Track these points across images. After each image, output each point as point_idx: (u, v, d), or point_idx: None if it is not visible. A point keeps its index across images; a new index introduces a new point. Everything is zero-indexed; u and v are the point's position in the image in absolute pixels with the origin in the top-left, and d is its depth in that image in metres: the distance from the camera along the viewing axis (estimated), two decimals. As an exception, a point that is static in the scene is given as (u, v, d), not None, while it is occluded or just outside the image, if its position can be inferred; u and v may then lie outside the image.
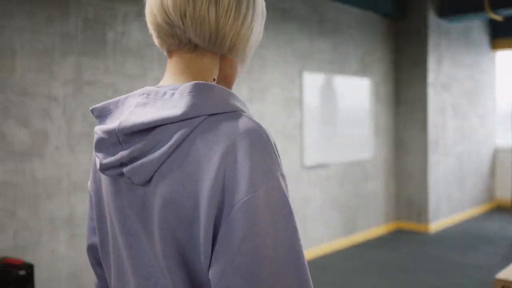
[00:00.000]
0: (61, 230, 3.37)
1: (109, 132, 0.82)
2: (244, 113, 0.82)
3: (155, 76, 3.89)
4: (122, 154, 0.81)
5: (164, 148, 0.78)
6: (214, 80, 0.91)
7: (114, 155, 0.83)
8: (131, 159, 0.81)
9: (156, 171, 0.79)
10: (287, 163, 5.02)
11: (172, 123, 0.79)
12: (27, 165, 3.20)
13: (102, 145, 0.84)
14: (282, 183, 0.77)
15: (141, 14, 3.81)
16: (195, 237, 0.77)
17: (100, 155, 0.85)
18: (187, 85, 0.81)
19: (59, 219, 3.36)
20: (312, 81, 5.30)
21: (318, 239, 5.42)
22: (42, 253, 3.28)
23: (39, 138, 3.25)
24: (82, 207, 3.47)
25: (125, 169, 0.81)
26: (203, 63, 0.89)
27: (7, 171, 3.12)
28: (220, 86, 0.84)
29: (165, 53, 0.94)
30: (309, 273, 0.83)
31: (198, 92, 0.80)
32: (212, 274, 0.74)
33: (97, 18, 3.53)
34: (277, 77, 4.92)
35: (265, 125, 4.77)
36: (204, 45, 0.87)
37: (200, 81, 0.81)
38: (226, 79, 0.94)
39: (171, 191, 0.78)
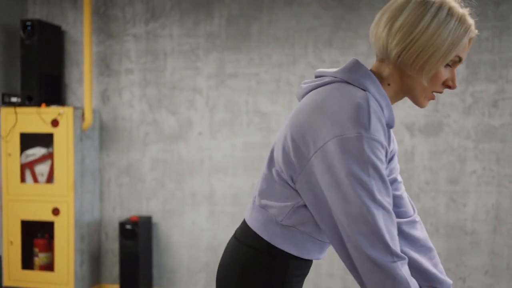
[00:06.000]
0: (201, 205, 3.87)
1: None
2: (362, 89, 1.16)
3: (310, 62, 3.68)
4: None
5: None
6: (388, 85, 1.23)
7: None
8: None
9: None
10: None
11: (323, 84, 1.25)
12: (175, 147, 3.89)
13: None
14: (354, 141, 1.08)
15: (291, 0, 3.70)
16: None
17: None
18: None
19: (200, 195, 3.87)
20: None
21: None
22: (184, 221, 3.90)
23: (185, 125, 3.87)
24: (221, 187, 3.83)
25: None
26: (382, 71, 1.24)
27: (159, 150, 3.92)
28: (368, 70, 1.21)
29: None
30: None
31: (347, 67, 1.22)
32: None
33: (241, 13, 3.77)
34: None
35: None
36: (380, 55, 1.22)
37: (355, 60, 1.23)
38: (409, 92, 1.22)
39: None
